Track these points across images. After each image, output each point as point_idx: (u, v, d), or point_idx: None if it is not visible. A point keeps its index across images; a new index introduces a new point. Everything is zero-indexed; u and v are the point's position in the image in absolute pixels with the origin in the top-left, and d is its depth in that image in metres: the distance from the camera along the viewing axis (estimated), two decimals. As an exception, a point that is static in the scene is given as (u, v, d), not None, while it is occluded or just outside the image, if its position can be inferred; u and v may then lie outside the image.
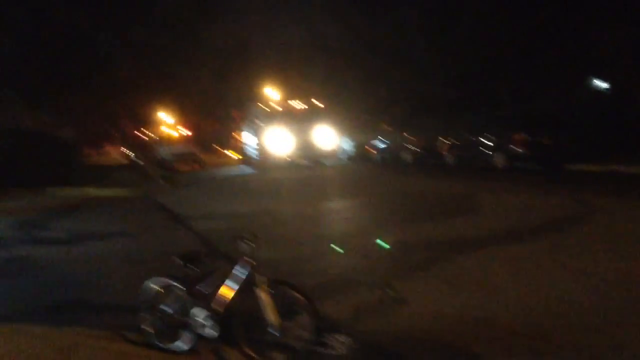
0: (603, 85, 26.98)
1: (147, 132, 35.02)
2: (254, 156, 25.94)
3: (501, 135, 17.45)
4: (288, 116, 24.21)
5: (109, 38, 28.97)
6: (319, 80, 30.08)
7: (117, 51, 29.49)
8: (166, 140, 30.60)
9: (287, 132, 23.73)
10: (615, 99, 22.63)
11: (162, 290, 4.86)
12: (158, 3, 30.88)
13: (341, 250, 7.82)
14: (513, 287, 5.75)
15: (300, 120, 24.02)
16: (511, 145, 16.87)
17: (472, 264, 6.72)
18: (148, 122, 35.64)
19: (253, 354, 4.43)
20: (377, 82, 28.68)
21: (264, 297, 4.36)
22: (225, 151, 39.70)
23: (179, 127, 33.47)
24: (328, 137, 24.58)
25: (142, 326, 4.85)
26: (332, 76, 29.92)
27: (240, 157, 29.64)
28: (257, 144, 25.17)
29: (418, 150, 23.11)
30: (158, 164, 25.29)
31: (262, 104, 26.16)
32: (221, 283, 4.59)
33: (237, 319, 4.47)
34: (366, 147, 27.32)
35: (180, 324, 4.73)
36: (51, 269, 8.33)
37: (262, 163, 24.69)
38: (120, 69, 30.18)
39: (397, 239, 8.32)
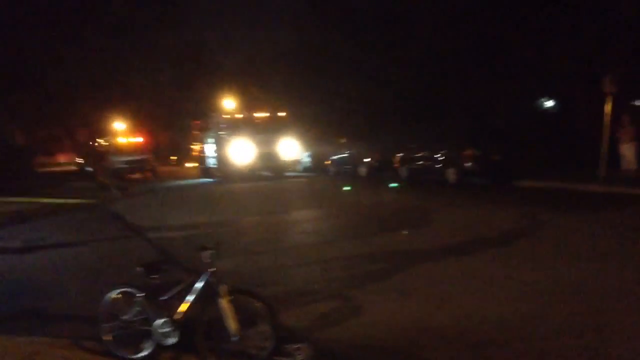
0: (550, 102, 28.08)
1: (100, 139, 34.41)
2: (214, 166, 25.73)
3: (452, 150, 17.97)
4: (249, 126, 24.03)
5: (63, 40, 28.43)
6: (277, 91, 30.37)
7: (71, 54, 28.97)
8: (120, 149, 30.02)
9: (248, 143, 23.53)
10: (562, 116, 23.58)
11: (124, 300, 4.92)
12: (115, 7, 30.52)
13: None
14: (462, 297, 6.06)
15: (261, 131, 23.87)
16: (462, 160, 17.39)
17: (424, 275, 7.02)
18: (102, 129, 35.04)
19: (215, 362, 4.55)
20: (334, 94, 29.03)
21: (224, 305, 4.49)
22: (183, 161, 39.38)
23: (134, 135, 33.00)
24: (289, 148, 24.56)
25: (103, 335, 4.88)
26: (291, 87, 30.24)
27: (199, 167, 29.37)
28: (217, 154, 24.96)
29: (373, 163, 23.51)
30: (111, 172, 24.84)
31: (222, 113, 26.18)
32: (182, 292, 4.70)
33: (198, 327, 4.57)
34: (324, 159, 27.57)
35: (141, 332, 4.80)
36: (5, 278, 8.21)
37: (221, 173, 24.51)
38: (75, 73, 29.67)
39: (352, 251, 8.60)
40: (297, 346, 4.90)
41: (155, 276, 4.78)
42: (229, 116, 25.12)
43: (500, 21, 20.71)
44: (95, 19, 29.53)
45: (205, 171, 27.34)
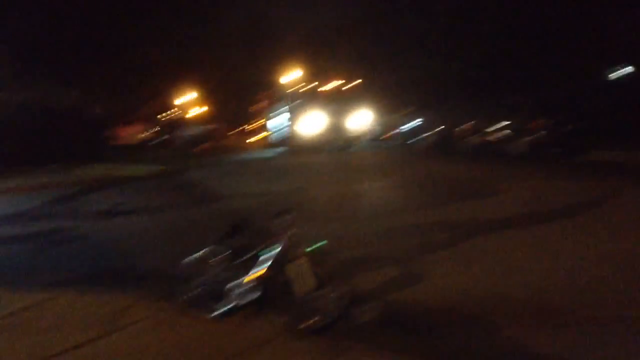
0: (628, 69, 26.73)
1: (174, 111, 35.55)
2: (285, 137, 25.85)
3: (523, 120, 17.62)
4: (322, 96, 23.91)
5: (138, 16, 29.34)
6: (343, 63, 30.23)
7: (145, 31, 29.89)
8: (192, 119, 31.01)
9: (321, 113, 23.42)
10: (636, 84, 22.49)
11: (208, 260, 5.29)
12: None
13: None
14: (529, 265, 6.12)
15: (334, 101, 23.68)
16: (533, 130, 17.04)
17: (492, 245, 7.09)
18: (175, 101, 36.13)
19: (287, 319, 4.86)
20: (402, 65, 28.79)
21: (301, 266, 4.78)
22: (255, 133, 39.84)
23: (205, 106, 33.89)
24: (363, 119, 24.29)
25: (188, 293, 5.29)
26: (357, 58, 30.06)
27: (270, 138, 29.44)
28: (289, 125, 25.07)
29: (440, 134, 23.25)
30: (185, 142, 25.79)
31: (293, 84, 25.84)
32: (262, 253, 5.03)
33: (277, 286, 4.89)
34: (390, 130, 27.39)
35: (223, 291, 5.16)
36: (94, 240, 8.85)
37: (293, 145, 24.52)
38: (149, 48, 30.61)
39: (421, 220, 8.75)
40: (367, 306, 5.15)
41: (237, 237, 5.12)
42: (301, 87, 24.89)
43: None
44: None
45: (277, 142, 27.34)
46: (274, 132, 27.57)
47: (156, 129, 34.82)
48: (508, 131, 18.15)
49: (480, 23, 24.12)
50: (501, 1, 22.89)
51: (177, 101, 30.17)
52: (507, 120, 18.40)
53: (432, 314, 5.08)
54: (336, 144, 23.53)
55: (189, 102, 34.29)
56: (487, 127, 19.65)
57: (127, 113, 39.86)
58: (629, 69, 26.55)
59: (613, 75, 27.37)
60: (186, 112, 30.67)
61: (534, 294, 5.30)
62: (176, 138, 26.65)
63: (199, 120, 31.74)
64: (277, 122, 26.92)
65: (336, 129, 23.44)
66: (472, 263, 6.36)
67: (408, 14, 28.19)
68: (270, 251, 4.97)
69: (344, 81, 24.71)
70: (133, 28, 29.22)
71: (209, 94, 39.80)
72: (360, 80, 24.70)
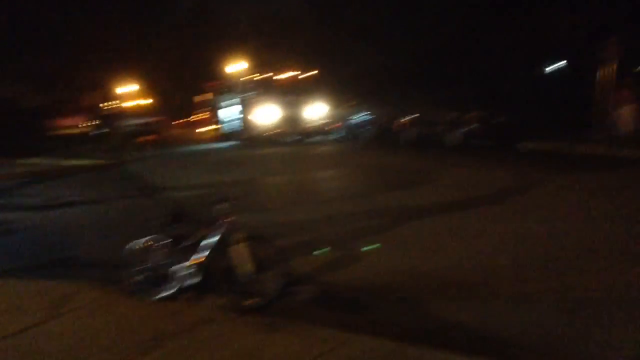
0: (558, 64, 28.07)
1: (112, 102, 34.85)
2: (235, 129, 25.12)
3: (457, 113, 18.35)
4: (274, 87, 23.04)
5: (73, 4, 28.61)
6: (288, 54, 30.31)
7: (82, 18, 29.20)
8: (132, 111, 30.38)
9: (275, 105, 22.48)
10: (567, 79, 23.73)
11: (149, 247, 5.53)
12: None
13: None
14: (453, 247, 6.68)
15: (288, 92, 22.86)
16: (466, 123, 17.78)
17: (420, 229, 7.66)
18: (113, 92, 35.46)
19: (229, 299, 5.16)
20: (346, 57, 29.24)
21: (240, 249, 5.09)
22: (204, 124, 38.81)
23: (146, 98, 33.35)
24: (316, 111, 23.47)
25: (130, 279, 5.51)
26: (302, 50, 30.25)
27: (218, 130, 28.58)
28: (240, 117, 24.28)
29: (382, 126, 23.75)
30: (124, 134, 25.31)
31: (242, 74, 24.95)
32: (203, 239, 5.30)
33: (217, 270, 5.18)
34: (338, 122, 27.39)
35: (165, 275, 5.42)
36: (33, 231, 8.92)
37: (244, 137, 23.85)
38: (85, 37, 29.91)
39: (359, 208, 9.25)
40: (303, 287, 5.53)
41: (178, 225, 5.38)
42: (253, 77, 23.85)
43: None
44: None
45: (226, 135, 26.55)
46: (226, 123, 26.75)
47: (97, 121, 34.07)
48: (445, 123, 18.84)
49: (421, 16, 24.85)
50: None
51: (119, 92, 29.61)
52: (445, 112, 19.11)
53: (364, 292, 5.51)
54: (290, 136, 23.14)
55: (131, 93, 33.75)
56: (425, 119, 20.32)
57: (67, 104, 38.81)
58: (563, 63, 27.94)
59: (547, 69, 28.68)
60: (128, 104, 30.11)
61: (454, 272, 5.83)
62: (118, 129, 26.21)
63: (141, 111, 31.24)
64: (228, 113, 26.09)
65: (291, 121, 22.70)
66: (403, 246, 6.86)
67: (354, 5, 28.69)
68: (210, 237, 5.25)
69: (298, 72, 23.87)
70: (73, 17, 28.52)
71: (152, 85, 39.21)
72: (315, 72, 24.04)
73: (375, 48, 27.51)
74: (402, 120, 21.69)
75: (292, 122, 22.61)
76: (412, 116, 21.30)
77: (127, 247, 5.53)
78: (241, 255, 5.10)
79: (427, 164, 14.30)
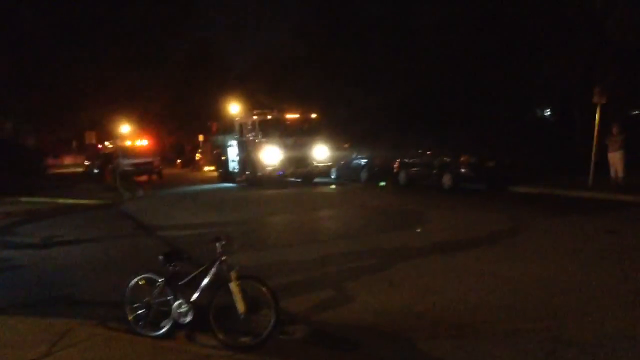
0: (548, 111, 28.83)
1: (107, 142, 35.22)
2: (235, 171, 24.49)
3: (449, 156, 18.63)
4: (276, 128, 22.15)
5: (71, 46, 29.13)
6: (285, 96, 30.79)
7: (80, 59, 29.71)
8: (127, 151, 30.57)
9: (276, 146, 21.67)
10: (557, 125, 24.28)
11: (145, 285, 5.68)
12: (123, 13, 31.14)
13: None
14: (445, 288, 6.81)
15: (291, 134, 22.14)
16: (457, 166, 18.04)
17: (413, 269, 7.80)
18: (109, 132, 35.85)
19: (223, 338, 5.27)
20: (340, 100, 29.76)
21: (233, 288, 5.24)
22: (198, 165, 39.02)
23: (140, 138, 33.73)
24: (320, 153, 22.60)
25: (127, 316, 5.63)
26: (299, 92, 30.82)
27: (219, 171, 27.76)
28: (240, 158, 23.62)
29: (375, 168, 23.94)
30: (119, 174, 25.38)
31: (247, 114, 24.10)
32: (197, 278, 5.46)
33: (210, 308, 5.30)
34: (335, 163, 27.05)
35: (160, 313, 5.55)
36: (32, 269, 9.01)
37: (245, 178, 23.18)
38: (83, 78, 30.40)
39: (351, 248, 9.43)
40: (294, 326, 5.66)
41: (174, 264, 5.54)
42: (255, 117, 22.74)
43: (498, 35, 21.54)
44: (102, 23, 30.13)
45: (226, 176, 25.88)
46: (225, 164, 25.99)
47: (96, 160, 34.37)
48: (437, 166, 19.05)
49: (412, 62, 25.50)
50: (433, 42, 24.30)
51: (118, 132, 29.95)
52: (436, 155, 19.36)
53: (354, 331, 5.62)
54: (289, 177, 22.60)
55: (129, 133, 34.12)
56: (416, 161, 20.52)
57: (65, 144, 39.13)
58: (550, 111, 28.67)
59: (536, 116, 29.37)
60: (122, 144, 30.36)
61: (446, 312, 5.95)
62: (116, 169, 26.41)
63: (139, 151, 31.53)
64: (229, 154, 25.35)
65: (289, 162, 21.83)
66: (394, 286, 6.99)
67: (351, 49, 29.38)
68: (204, 276, 5.41)
69: (298, 114, 23.11)
70: (70, 58, 29.05)
71: (150, 126, 39.70)
72: (314, 114, 23.32)
73: (371, 91, 28.04)
74: (396, 161, 21.87)
75: (291, 163, 21.92)
76: (407, 159, 21.51)
77: (126, 285, 5.67)
78: (234, 294, 5.24)
79: (419, 206, 14.53)
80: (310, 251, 9.33)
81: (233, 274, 5.24)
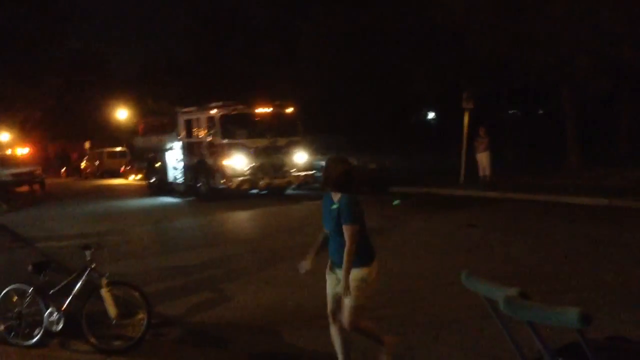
0: (431, 115, 30.62)
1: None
2: (179, 181, 20.01)
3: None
4: (243, 126, 17.57)
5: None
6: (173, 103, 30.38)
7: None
8: (5, 161, 28.66)
9: (244, 149, 17.12)
10: (440, 128, 25.93)
11: (16, 295, 5.70)
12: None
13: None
14: (313, 283, 7.25)
15: (261, 133, 17.67)
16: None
17: (286, 268, 8.15)
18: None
19: (95, 342, 5.40)
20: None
21: (104, 295, 5.40)
22: (126, 173, 33.96)
23: (20, 147, 31.95)
24: (297, 156, 18.05)
25: (0, 326, 5.64)
26: (186, 99, 30.56)
27: (149, 181, 22.75)
28: (186, 165, 19.24)
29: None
30: (2, 183, 23.74)
31: (188, 110, 19.56)
32: (68, 286, 5.56)
33: (82, 315, 5.41)
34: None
35: (32, 323, 5.60)
36: None
37: (193, 190, 18.92)
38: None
39: (237, 251, 9.89)
40: (169, 328, 5.91)
41: (43, 273, 5.61)
42: (215, 111, 17.68)
43: (376, 46, 22.85)
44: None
45: (161, 186, 21.27)
46: (159, 173, 21.41)
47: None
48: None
49: (298, 66, 26.28)
50: (319, 48, 25.12)
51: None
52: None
53: (229, 329, 5.95)
54: (264, 190, 18.23)
55: (7, 142, 32.27)
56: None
57: None
58: (433, 114, 30.52)
59: (421, 120, 31.12)
60: (5, 152, 28.54)
61: (313, 305, 6.37)
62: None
63: (13, 161, 29.73)
64: (166, 161, 20.74)
65: (268, 170, 17.52)
66: (268, 284, 7.41)
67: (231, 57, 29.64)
68: (74, 284, 5.52)
69: (272, 108, 18.11)
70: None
71: (26, 134, 37.62)
72: (291, 109, 18.44)
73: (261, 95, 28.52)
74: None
75: (264, 171, 17.42)
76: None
77: (-1, 296, 5.67)
78: (105, 300, 5.40)
79: (307, 211, 15.04)
80: (192, 256, 9.56)
81: (104, 281, 5.40)
